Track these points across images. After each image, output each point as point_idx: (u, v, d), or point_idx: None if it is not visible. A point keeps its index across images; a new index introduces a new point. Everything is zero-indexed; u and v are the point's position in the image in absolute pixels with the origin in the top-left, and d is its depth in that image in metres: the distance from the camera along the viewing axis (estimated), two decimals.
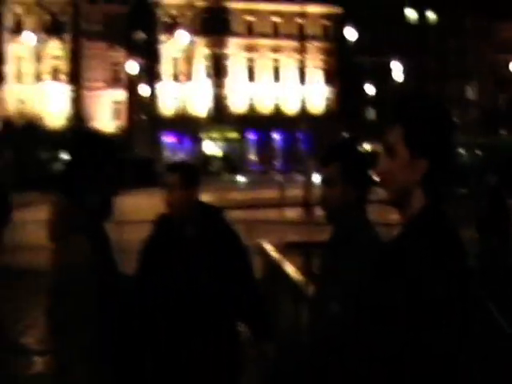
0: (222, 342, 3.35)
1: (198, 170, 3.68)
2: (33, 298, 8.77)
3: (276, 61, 59.87)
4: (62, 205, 2.42)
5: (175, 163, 3.62)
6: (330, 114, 59.63)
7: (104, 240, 2.47)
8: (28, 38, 54.35)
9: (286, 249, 7.27)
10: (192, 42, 55.80)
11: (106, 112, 57.19)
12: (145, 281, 3.38)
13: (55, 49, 55.62)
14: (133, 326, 2.63)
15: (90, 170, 2.42)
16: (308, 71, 55.14)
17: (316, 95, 59.12)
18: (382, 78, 56.55)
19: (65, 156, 45.64)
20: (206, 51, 57.49)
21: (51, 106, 55.61)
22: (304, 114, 44.31)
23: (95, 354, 2.27)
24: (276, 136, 59.57)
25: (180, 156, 46.69)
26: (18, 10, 54.67)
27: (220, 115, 57.41)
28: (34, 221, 17.73)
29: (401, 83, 53.58)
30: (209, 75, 57.73)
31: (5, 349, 7.32)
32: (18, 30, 54.71)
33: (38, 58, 55.20)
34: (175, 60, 56.67)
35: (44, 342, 6.57)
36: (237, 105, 58.53)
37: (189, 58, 56.80)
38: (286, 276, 5.66)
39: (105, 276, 2.33)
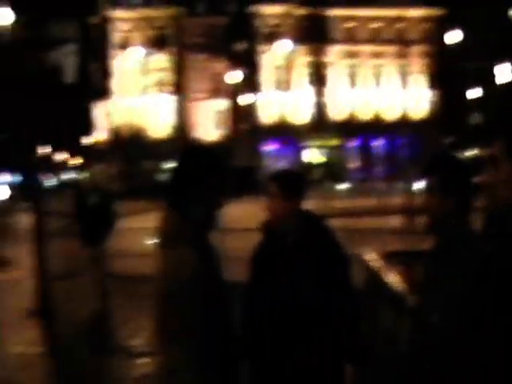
0: (325, 352, 3.31)
1: (303, 180, 3.48)
2: (137, 303, 9.08)
3: (377, 67, 59.18)
4: (169, 215, 2.50)
5: (278, 173, 3.40)
6: (432, 119, 58.32)
7: (209, 250, 2.53)
8: (135, 52, 56.48)
9: (387, 258, 7.16)
10: (292, 51, 56.11)
11: (209, 121, 58.44)
12: (255, 291, 3.39)
13: (160, 62, 57.43)
14: (236, 332, 2.68)
15: (195, 182, 2.47)
16: (410, 76, 54.17)
17: (418, 100, 57.97)
18: (487, 81, 54.74)
19: (168, 166, 46.91)
20: (307, 59, 57.57)
21: (157, 117, 57.43)
22: (405, 119, 43.51)
23: (201, 360, 2.32)
24: (377, 143, 58.83)
25: (281, 164, 46.86)
26: (125, 26, 56.85)
27: (321, 123, 57.31)
28: (138, 229, 18.36)
29: (507, 86, 51.65)
30: (310, 83, 57.78)
31: (113, 351, 7.63)
32: (124, 45, 56.94)
33: (144, 71, 57.18)
34: (276, 69, 57.09)
35: (150, 345, 6.79)
36: (338, 112, 58.28)
37: (289, 67, 57.08)
38: (386, 285, 5.59)
39: (209, 285, 2.40)
